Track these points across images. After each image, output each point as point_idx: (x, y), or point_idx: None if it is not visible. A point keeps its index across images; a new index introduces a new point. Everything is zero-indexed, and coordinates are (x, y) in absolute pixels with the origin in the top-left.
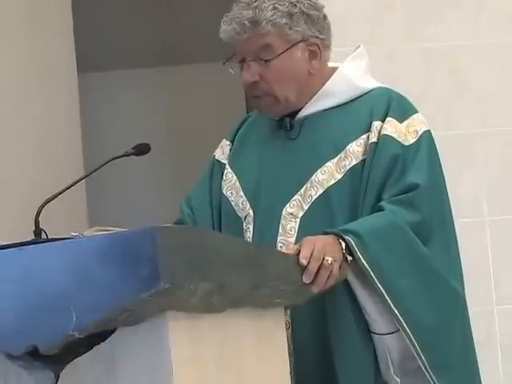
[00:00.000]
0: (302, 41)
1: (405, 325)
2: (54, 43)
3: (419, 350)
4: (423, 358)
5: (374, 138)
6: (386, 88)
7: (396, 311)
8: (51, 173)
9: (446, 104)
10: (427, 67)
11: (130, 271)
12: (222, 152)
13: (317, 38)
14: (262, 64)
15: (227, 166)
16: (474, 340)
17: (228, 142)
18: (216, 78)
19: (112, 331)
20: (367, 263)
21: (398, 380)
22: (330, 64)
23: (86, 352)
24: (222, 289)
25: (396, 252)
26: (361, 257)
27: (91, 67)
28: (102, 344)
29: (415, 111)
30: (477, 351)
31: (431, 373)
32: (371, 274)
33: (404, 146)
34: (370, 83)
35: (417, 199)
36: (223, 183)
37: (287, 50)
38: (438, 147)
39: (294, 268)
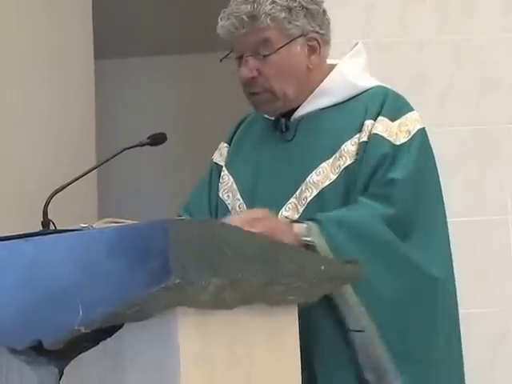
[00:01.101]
0: (301, 35)
1: (366, 307)
2: (72, 29)
3: (376, 331)
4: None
5: (364, 137)
6: (384, 87)
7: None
8: (63, 162)
9: (473, 98)
10: (456, 60)
11: (139, 265)
12: (220, 154)
13: (316, 32)
14: (260, 59)
15: (224, 169)
16: (492, 337)
17: (225, 144)
18: (233, 67)
19: (119, 326)
20: (330, 248)
21: (373, 378)
22: (329, 61)
23: (91, 347)
24: (234, 285)
25: (360, 240)
26: (315, 239)
27: (108, 54)
28: (108, 339)
29: (410, 110)
30: (494, 349)
31: (392, 364)
32: (329, 252)
33: (395, 145)
34: (368, 82)
35: (392, 193)
36: (220, 186)
37: (286, 44)
38: (466, 142)
39: (309, 264)
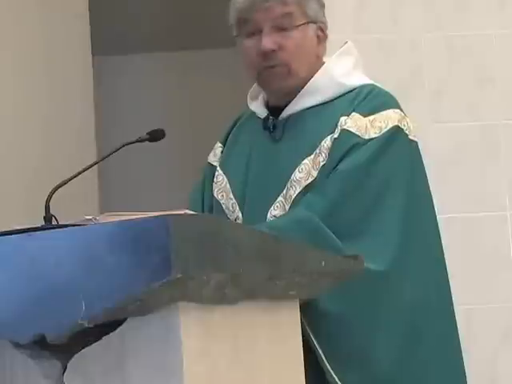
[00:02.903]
0: (314, 22)
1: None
2: (69, 26)
3: (312, 336)
4: (315, 342)
5: (336, 134)
6: (372, 84)
7: None
8: (64, 158)
9: (468, 95)
10: (450, 57)
11: (141, 259)
12: (214, 155)
13: (323, 23)
14: (281, 33)
15: (218, 169)
16: (494, 333)
17: (220, 145)
18: (233, 64)
19: (122, 321)
20: None
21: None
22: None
23: (94, 342)
24: (236, 280)
25: None
26: None
27: (106, 50)
28: (111, 334)
29: (390, 107)
30: (498, 345)
31: (329, 367)
32: None
33: (363, 139)
34: (356, 80)
35: (328, 185)
36: (214, 186)
37: (305, 24)
38: (459, 139)
39: (310, 260)
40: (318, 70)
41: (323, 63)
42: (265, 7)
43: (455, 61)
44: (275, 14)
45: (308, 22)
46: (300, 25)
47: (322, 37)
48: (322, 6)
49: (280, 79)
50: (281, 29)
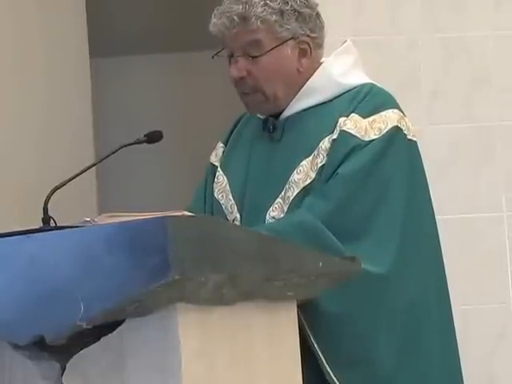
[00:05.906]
0: (291, 38)
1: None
2: (66, 28)
3: (311, 337)
4: (314, 343)
5: (335, 135)
6: (372, 84)
7: None
8: (61, 160)
9: (465, 96)
10: (446, 58)
11: (139, 261)
12: (216, 155)
13: (307, 36)
14: (249, 60)
15: (219, 169)
16: (489, 334)
17: (222, 145)
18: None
19: (121, 322)
20: None
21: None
22: (322, 60)
23: (93, 343)
24: (233, 281)
25: None
26: None
27: (104, 52)
28: (109, 335)
29: (389, 108)
30: (493, 346)
31: (328, 368)
32: None
33: (363, 141)
34: (355, 79)
35: (330, 188)
36: (214, 186)
37: (276, 47)
38: (455, 140)
39: (307, 261)
40: (305, 80)
41: (321, 64)
42: (233, 34)
43: (452, 62)
44: (243, 41)
45: (282, 43)
46: (270, 50)
47: (305, 49)
48: (304, 18)
49: (258, 105)
50: (250, 55)
